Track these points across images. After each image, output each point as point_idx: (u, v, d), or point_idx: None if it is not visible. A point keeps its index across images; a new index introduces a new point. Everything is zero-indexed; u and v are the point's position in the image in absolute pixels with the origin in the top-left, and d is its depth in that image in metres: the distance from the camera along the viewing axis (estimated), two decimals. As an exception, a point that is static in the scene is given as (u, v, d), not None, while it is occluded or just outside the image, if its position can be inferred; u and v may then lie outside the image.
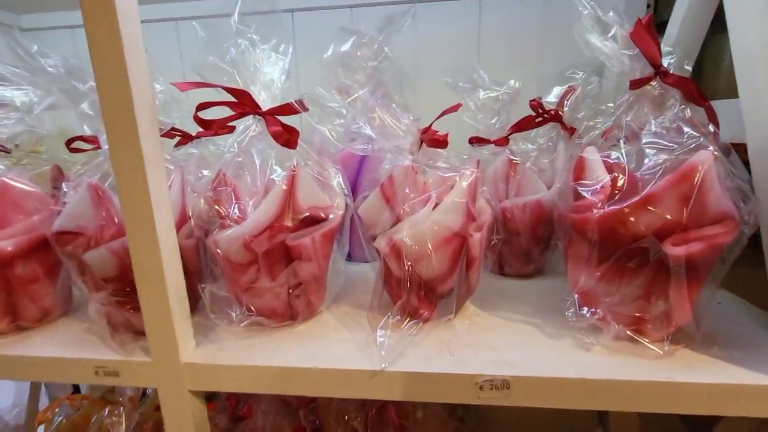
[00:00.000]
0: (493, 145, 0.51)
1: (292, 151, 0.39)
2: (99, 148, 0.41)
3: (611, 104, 0.36)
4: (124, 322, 0.40)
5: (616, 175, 0.33)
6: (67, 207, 0.37)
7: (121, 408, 0.70)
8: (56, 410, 0.76)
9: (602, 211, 0.33)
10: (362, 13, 0.74)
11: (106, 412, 0.69)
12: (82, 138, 0.42)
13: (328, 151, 0.49)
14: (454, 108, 0.39)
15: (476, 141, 0.51)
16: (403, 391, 0.34)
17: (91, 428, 0.76)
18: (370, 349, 0.37)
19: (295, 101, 0.38)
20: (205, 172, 0.50)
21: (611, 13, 0.35)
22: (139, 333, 0.40)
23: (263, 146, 0.39)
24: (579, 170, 0.36)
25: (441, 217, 0.37)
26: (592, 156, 0.35)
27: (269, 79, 0.40)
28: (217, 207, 0.36)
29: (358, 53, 0.39)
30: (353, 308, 0.46)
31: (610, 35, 0.33)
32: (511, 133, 0.50)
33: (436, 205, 0.37)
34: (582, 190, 0.35)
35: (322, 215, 0.40)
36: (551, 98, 0.55)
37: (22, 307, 0.42)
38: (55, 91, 0.41)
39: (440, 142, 0.37)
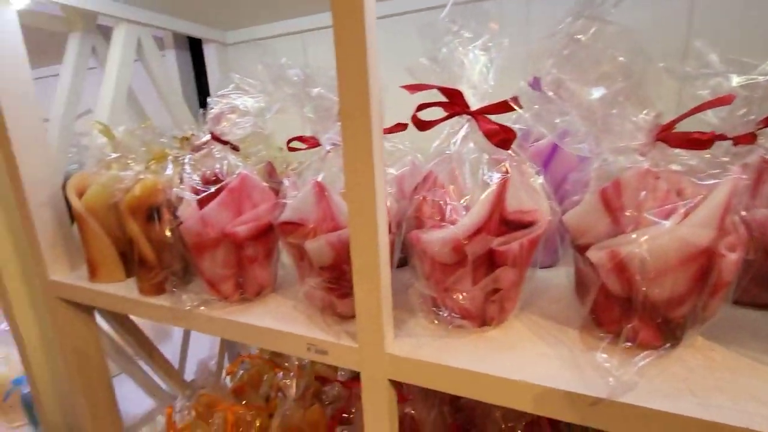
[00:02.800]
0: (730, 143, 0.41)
1: (503, 152, 0.37)
2: (313, 147, 0.46)
3: None
4: (329, 305, 0.44)
5: None
6: (293, 201, 0.42)
7: (292, 373, 0.79)
8: (239, 366, 0.91)
9: None
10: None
11: (281, 375, 0.79)
12: (300, 138, 0.47)
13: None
14: (726, 100, 0.32)
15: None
16: (630, 428, 0.30)
17: (264, 384, 0.89)
18: (582, 372, 0.34)
19: (510, 99, 0.36)
20: (390, 170, 0.52)
21: None
22: (342, 317, 0.44)
23: (473, 147, 0.38)
24: None
25: (689, 231, 0.31)
26: None
27: (476, 77, 0.39)
28: (428, 207, 0.37)
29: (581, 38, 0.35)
30: (542, 318, 0.43)
31: None
32: (762, 127, 0.40)
33: (684, 217, 0.31)
34: None
35: (528, 219, 0.38)
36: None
37: (246, 282, 0.50)
38: (283, 98, 0.46)
39: (701, 142, 0.30)
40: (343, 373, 0.83)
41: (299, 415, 0.75)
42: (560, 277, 0.51)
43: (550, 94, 0.38)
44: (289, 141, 0.48)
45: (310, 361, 0.87)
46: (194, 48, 1.01)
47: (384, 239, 0.36)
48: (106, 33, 0.83)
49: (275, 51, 0.93)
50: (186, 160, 0.48)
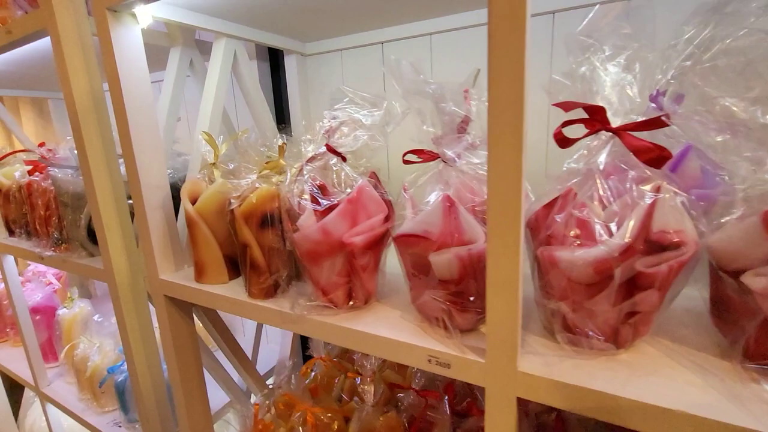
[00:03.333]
0: None
1: (649, 169, 0.36)
2: (430, 160, 0.47)
3: None
4: (448, 317, 0.44)
5: None
6: (419, 214, 0.43)
7: (368, 378, 0.80)
8: (312, 367, 0.93)
9: None
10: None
11: (359, 380, 0.80)
12: (415, 151, 0.48)
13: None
14: None
15: None
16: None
17: (336, 386, 0.90)
18: (746, 405, 0.32)
19: (662, 116, 0.35)
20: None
21: None
22: (460, 330, 0.44)
23: (613, 164, 0.37)
24: None
25: None
26: None
27: (613, 92, 0.38)
28: (566, 225, 0.36)
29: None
30: (674, 343, 0.41)
31: None
32: None
33: None
34: None
35: (671, 240, 0.36)
36: None
37: (355, 290, 0.51)
38: (399, 112, 0.47)
39: None
40: (417, 381, 0.83)
41: (377, 421, 0.76)
42: (684, 299, 0.49)
43: (698, 108, 0.36)
44: (405, 154, 0.49)
45: (379, 367, 0.88)
46: (272, 58, 1.05)
47: (521, 250, 0.36)
48: (200, 47, 0.88)
49: (352, 62, 0.95)
50: (306, 171, 0.50)
